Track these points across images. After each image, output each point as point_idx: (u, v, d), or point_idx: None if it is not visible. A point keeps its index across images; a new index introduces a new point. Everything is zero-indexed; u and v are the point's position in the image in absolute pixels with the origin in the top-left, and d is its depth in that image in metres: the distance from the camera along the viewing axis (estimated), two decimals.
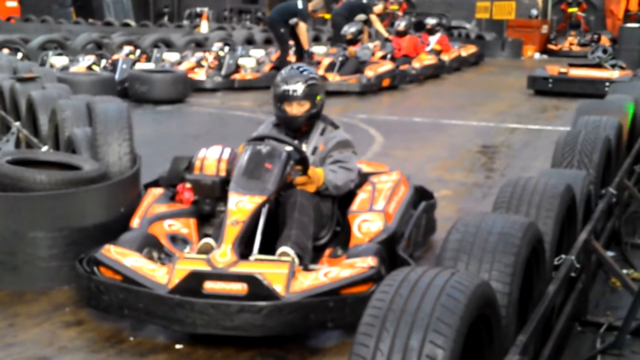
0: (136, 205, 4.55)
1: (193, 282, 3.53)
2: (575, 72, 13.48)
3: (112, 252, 3.83)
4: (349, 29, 13.83)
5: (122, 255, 3.80)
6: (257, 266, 3.66)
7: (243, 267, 3.64)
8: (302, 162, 4.23)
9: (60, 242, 4.26)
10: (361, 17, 15.38)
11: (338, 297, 3.55)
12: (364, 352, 2.20)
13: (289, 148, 4.24)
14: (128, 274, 3.66)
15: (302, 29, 14.10)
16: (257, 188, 3.98)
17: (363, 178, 4.75)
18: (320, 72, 12.58)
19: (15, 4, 26.39)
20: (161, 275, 3.63)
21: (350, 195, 4.57)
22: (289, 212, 4.07)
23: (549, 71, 13.66)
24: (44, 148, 5.93)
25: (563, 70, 13.55)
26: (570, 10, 26.71)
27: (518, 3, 23.94)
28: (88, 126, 5.48)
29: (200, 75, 13.24)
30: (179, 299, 3.47)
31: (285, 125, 4.51)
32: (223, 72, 13.44)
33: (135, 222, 4.34)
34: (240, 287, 3.51)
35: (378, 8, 16.91)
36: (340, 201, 4.51)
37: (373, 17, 16.04)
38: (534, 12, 25.67)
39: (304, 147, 4.44)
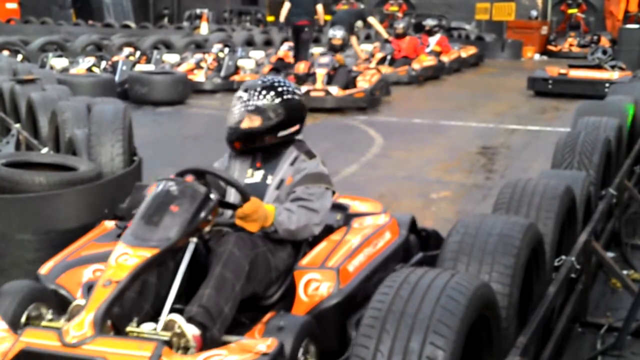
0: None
1: None
2: (575, 73, 13.48)
3: None
4: (335, 34, 13.33)
5: None
6: (115, 345, 2.71)
7: (96, 346, 2.71)
8: (244, 199, 3.28)
9: (47, 245, 4.13)
10: (360, 23, 15.38)
11: None
12: (364, 353, 2.20)
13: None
14: None
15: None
16: (154, 238, 3.00)
17: (346, 220, 3.80)
18: (319, 85, 11.50)
19: (15, 5, 26.38)
20: None
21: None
22: (213, 265, 3.16)
23: (548, 72, 13.67)
24: (44, 150, 5.92)
25: (563, 71, 13.55)
26: (570, 11, 26.77)
27: (518, 4, 23.96)
28: (88, 128, 5.48)
29: (199, 76, 13.25)
30: None
31: (229, 141, 3.56)
32: (222, 73, 13.46)
33: (45, 268, 3.44)
34: None
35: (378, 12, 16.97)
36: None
37: (372, 19, 16.05)
38: (534, 13, 25.73)
39: (268, 179, 3.53)
